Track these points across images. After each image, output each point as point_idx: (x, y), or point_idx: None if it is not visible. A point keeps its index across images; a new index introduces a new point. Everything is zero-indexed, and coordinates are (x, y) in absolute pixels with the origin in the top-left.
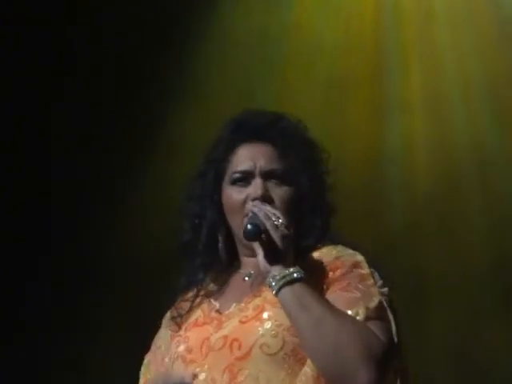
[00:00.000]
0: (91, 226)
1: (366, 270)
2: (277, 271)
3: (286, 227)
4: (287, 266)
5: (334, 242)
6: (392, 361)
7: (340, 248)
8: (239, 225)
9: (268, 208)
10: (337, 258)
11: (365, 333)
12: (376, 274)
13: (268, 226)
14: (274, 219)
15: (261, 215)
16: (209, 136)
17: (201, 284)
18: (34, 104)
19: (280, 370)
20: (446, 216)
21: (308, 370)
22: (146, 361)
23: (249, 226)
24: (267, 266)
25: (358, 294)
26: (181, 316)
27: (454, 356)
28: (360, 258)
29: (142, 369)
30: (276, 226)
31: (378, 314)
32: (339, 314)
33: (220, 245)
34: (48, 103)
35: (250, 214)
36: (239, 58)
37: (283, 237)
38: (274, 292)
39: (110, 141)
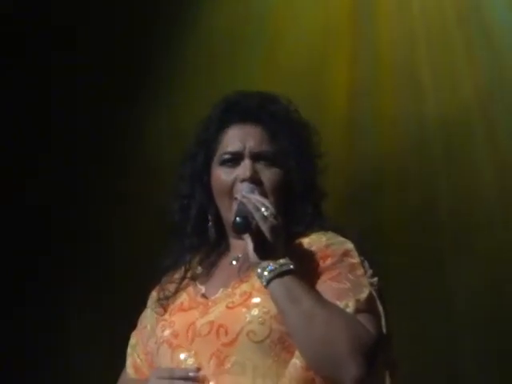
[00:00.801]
0: None
1: (356, 258)
2: (266, 263)
3: (275, 217)
4: (277, 257)
5: (324, 227)
6: (381, 353)
7: (330, 235)
8: (227, 207)
9: (257, 197)
10: (327, 245)
11: (354, 325)
12: (366, 263)
13: (257, 217)
14: (262, 210)
15: (250, 207)
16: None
17: (188, 265)
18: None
19: (267, 357)
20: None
21: (297, 361)
22: (133, 341)
23: (238, 219)
24: (257, 258)
25: (348, 285)
26: (167, 298)
27: None
28: (350, 246)
29: (129, 349)
30: (265, 217)
31: (367, 307)
32: (329, 306)
33: (210, 224)
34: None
35: (239, 206)
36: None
37: (272, 228)
38: (263, 284)
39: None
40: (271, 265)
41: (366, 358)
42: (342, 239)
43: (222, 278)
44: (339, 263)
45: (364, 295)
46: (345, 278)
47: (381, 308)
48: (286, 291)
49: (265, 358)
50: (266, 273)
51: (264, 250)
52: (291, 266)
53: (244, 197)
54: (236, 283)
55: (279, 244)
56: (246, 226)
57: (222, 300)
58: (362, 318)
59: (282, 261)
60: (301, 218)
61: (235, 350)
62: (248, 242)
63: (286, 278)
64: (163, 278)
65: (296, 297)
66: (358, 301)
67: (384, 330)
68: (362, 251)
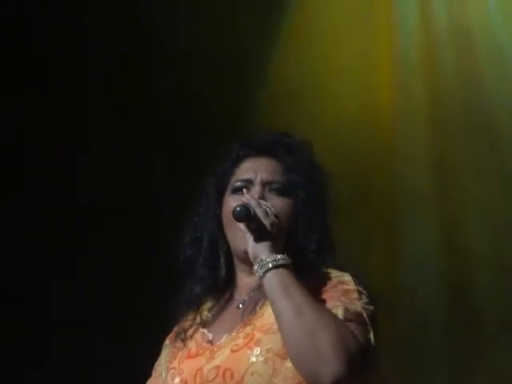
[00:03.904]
0: None
1: (351, 286)
2: (264, 256)
3: (276, 216)
4: (275, 252)
5: (325, 264)
6: (366, 363)
7: (329, 270)
8: (235, 233)
9: (260, 200)
10: (325, 280)
11: (342, 327)
12: (363, 292)
13: (258, 212)
14: (264, 207)
15: (252, 203)
16: None
17: (197, 312)
18: None
19: None
20: None
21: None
22: None
23: (238, 208)
24: (256, 250)
25: (339, 303)
26: (185, 332)
27: None
28: (347, 277)
29: None
30: (266, 213)
31: (356, 318)
32: (320, 306)
33: (221, 259)
34: None
35: (242, 201)
36: None
37: (274, 223)
38: (259, 275)
39: None
40: (269, 257)
41: (348, 359)
42: (340, 273)
43: (228, 323)
44: (333, 289)
45: (354, 308)
46: (337, 299)
47: (372, 332)
48: (280, 283)
49: None
50: (262, 264)
51: (263, 243)
52: (288, 262)
53: (246, 197)
54: (240, 327)
55: (279, 240)
56: (246, 213)
57: (226, 344)
58: (351, 326)
59: (279, 256)
60: (302, 253)
61: None
62: (247, 238)
63: (282, 271)
64: (176, 325)
65: (289, 290)
66: (346, 310)
67: (372, 342)
68: (361, 283)
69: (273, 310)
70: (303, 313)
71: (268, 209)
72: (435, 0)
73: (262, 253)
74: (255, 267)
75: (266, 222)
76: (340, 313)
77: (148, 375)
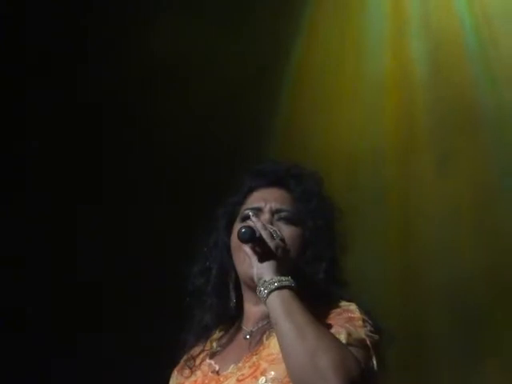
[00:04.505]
0: None
1: (356, 314)
2: (268, 277)
3: (282, 240)
4: (279, 273)
5: (333, 295)
6: None
7: (336, 300)
8: (242, 260)
9: (266, 224)
10: (330, 307)
11: (343, 349)
12: (368, 322)
13: (264, 234)
14: (270, 230)
15: (258, 225)
16: None
17: (207, 338)
18: None
19: None
20: None
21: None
22: None
23: (243, 229)
24: (260, 271)
25: (342, 329)
26: (194, 359)
27: None
28: (353, 307)
29: None
30: (272, 236)
31: (358, 343)
32: (322, 328)
33: (230, 287)
34: None
35: (247, 223)
36: None
37: (279, 246)
38: (262, 297)
39: None
40: (273, 279)
41: (348, 380)
42: (346, 303)
43: (235, 354)
44: (337, 317)
45: (357, 335)
46: (341, 326)
47: (375, 360)
48: (283, 304)
49: None
50: (266, 286)
51: (268, 265)
52: (292, 284)
53: (253, 219)
54: (247, 358)
55: (284, 262)
56: (251, 234)
57: (232, 375)
58: (353, 350)
59: (283, 277)
60: (310, 282)
61: None
62: (253, 261)
63: (285, 292)
64: (184, 356)
65: (292, 310)
66: (349, 335)
67: (374, 368)
68: (367, 313)
69: (275, 331)
70: (305, 334)
71: (274, 232)
72: None
73: (265, 274)
74: (259, 288)
75: (272, 244)
76: (343, 337)
77: None
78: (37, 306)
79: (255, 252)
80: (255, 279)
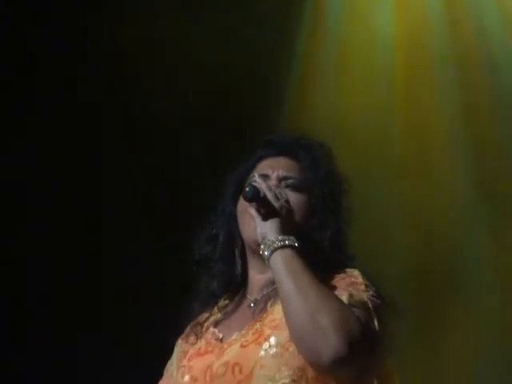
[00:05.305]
0: None
1: (359, 279)
2: (272, 236)
3: (287, 202)
4: (283, 232)
5: (337, 262)
6: (367, 347)
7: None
8: (247, 223)
9: (271, 186)
10: (333, 272)
11: (345, 308)
12: (371, 287)
13: (268, 195)
14: (276, 192)
15: (263, 186)
16: None
17: (214, 304)
18: None
19: None
20: None
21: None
22: None
23: (247, 188)
24: (264, 230)
25: (345, 292)
26: (201, 325)
27: None
28: (356, 272)
29: None
30: (277, 197)
31: (360, 305)
32: (324, 288)
33: (236, 254)
34: None
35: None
36: None
37: (283, 207)
38: (266, 257)
39: None
40: (276, 238)
41: (349, 338)
42: (350, 269)
43: (239, 322)
44: (341, 280)
45: (359, 297)
46: (343, 289)
47: (375, 318)
48: (286, 262)
49: None
50: (268, 245)
51: (272, 224)
52: (295, 243)
53: (258, 180)
54: (250, 325)
55: (288, 222)
56: (255, 194)
57: (236, 341)
58: (354, 310)
59: (287, 237)
60: (315, 249)
61: None
62: (257, 222)
63: (288, 251)
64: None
65: (295, 269)
66: (351, 296)
67: (375, 328)
68: (370, 280)
69: (278, 290)
70: (307, 293)
71: (279, 193)
72: None
73: (269, 233)
74: (262, 248)
75: (276, 204)
76: (344, 298)
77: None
78: (37, 306)
79: (259, 213)
80: (259, 239)
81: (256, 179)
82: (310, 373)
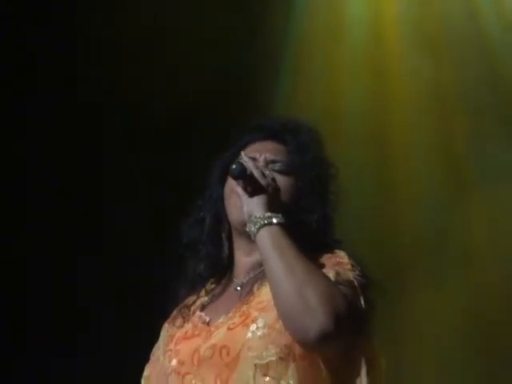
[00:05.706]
0: None
1: (345, 259)
2: (258, 213)
3: (273, 180)
4: (269, 209)
5: (323, 245)
6: (353, 324)
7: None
8: (233, 204)
9: (258, 164)
10: (320, 253)
11: (331, 285)
12: (357, 267)
13: (255, 172)
14: (262, 169)
15: (250, 165)
16: None
17: (202, 286)
18: None
19: (268, 371)
20: None
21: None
22: (146, 373)
23: (234, 166)
24: (250, 207)
25: (331, 270)
26: (188, 308)
27: None
28: (342, 253)
29: (142, 381)
30: (263, 175)
31: (347, 284)
32: (311, 264)
33: (223, 236)
34: None
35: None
36: None
37: (269, 184)
38: (252, 234)
39: None
40: (262, 214)
41: (336, 314)
42: (337, 250)
43: (226, 305)
44: (327, 260)
45: (345, 276)
46: (330, 267)
47: (362, 296)
48: (273, 239)
49: (266, 372)
50: (255, 222)
51: (258, 201)
52: (282, 220)
53: (244, 158)
54: (237, 307)
55: (274, 200)
56: (242, 171)
57: (223, 324)
58: (341, 288)
59: (273, 214)
60: (301, 232)
61: (237, 369)
62: (244, 200)
63: (275, 228)
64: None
65: (282, 246)
66: (338, 274)
67: (362, 306)
68: (356, 260)
69: (265, 267)
70: (294, 269)
71: (266, 171)
72: None
73: (256, 210)
74: (249, 225)
75: (263, 182)
76: (331, 275)
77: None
78: (37, 306)
79: (246, 191)
80: (245, 217)
81: (242, 157)
82: (297, 350)
